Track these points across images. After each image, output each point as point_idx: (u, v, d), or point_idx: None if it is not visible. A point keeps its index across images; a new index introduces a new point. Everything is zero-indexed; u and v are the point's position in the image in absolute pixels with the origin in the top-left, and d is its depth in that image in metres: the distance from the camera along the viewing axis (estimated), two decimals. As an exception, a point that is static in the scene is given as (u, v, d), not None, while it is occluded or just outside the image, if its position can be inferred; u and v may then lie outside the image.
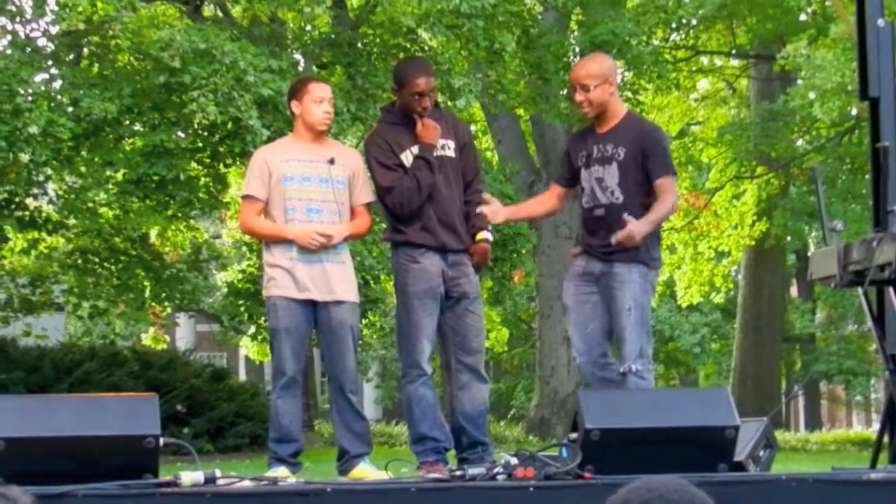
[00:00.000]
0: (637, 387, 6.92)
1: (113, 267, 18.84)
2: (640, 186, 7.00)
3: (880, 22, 7.13)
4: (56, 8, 16.22)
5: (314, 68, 17.80)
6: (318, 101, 7.06)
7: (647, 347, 7.07)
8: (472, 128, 22.88)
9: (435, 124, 7.09)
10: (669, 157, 7.29)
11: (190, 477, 5.53)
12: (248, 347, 27.04)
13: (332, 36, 17.96)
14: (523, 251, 20.70)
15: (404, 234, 7.11)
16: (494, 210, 7.16)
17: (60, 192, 18.37)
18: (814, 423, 38.58)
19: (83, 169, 17.30)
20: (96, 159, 16.88)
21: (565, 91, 18.27)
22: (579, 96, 7.08)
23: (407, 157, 7.08)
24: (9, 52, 15.99)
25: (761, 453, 6.58)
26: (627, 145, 7.00)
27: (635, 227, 6.82)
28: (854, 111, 22.09)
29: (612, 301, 7.01)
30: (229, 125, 15.77)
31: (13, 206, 17.19)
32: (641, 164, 7.00)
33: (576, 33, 22.04)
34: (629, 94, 22.48)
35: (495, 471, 5.85)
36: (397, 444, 20.96)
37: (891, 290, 6.72)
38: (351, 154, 7.47)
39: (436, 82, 7.36)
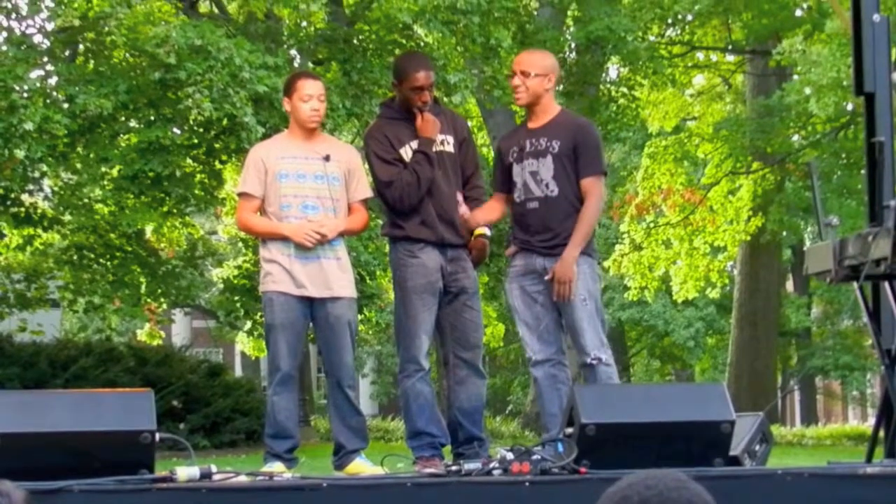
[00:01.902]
0: (607, 375, 6.94)
1: (108, 263, 18.83)
2: (575, 180, 7.02)
3: (876, 17, 7.12)
4: (51, 4, 16.23)
5: (310, 64, 17.80)
6: (307, 99, 7.02)
7: (604, 336, 7.09)
8: (468, 124, 22.86)
9: (434, 119, 7.09)
10: (601, 155, 7.25)
11: (186, 472, 5.53)
12: (244, 343, 27.02)
13: (328, 32, 17.96)
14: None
15: (403, 229, 7.09)
16: (473, 216, 7.13)
17: (56, 189, 18.37)
18: (810, 417, 38.65)
19: (78, 165, 17.29)
20: (91, 156, 16.87)
21: (561, 87, 18.25)
22: (517, 80, 7.08)
23: (406, 152, 7.07)
24: (4, 48, 15.99)
25: (757, 448, 6.58)
26: (562, 139, 7.01)
27: (567, 270, 6.88)
28: (850, 106, 22.10)
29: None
30: (225, 122, 15.78)
31: (8, 203, 17.17)
32: (574, 159, 7.01)
33: (571, 29, 22.06)
34: (625, 90, 22.53)
35: (491, 466, 5.85)
36: (393, 440, 20.97)
37: (886, 284, 6.72)
38: (347, 150, 7.45)
39: (435, 77, 7.34)
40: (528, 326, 7.09)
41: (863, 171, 8.11)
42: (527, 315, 7.10)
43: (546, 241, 7.00)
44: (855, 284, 6.79)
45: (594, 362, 6.94)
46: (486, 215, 7.24)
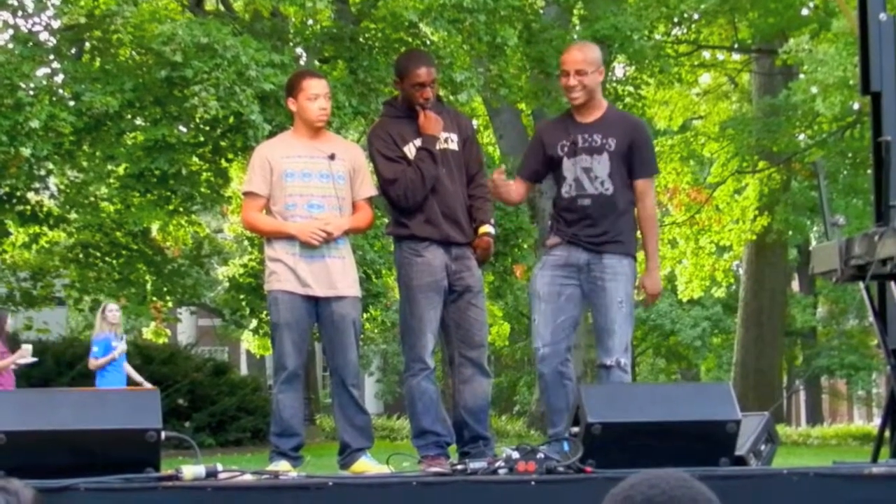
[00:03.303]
0: (621, 380, 6.91)
1: (114, 261, 18.86)
2: (628, 178, 7.01)
3: (882, 16, 7.12)
4: (57, 2, 16.25)
5: (316, 63, 17.81)
6: (314, 98, 7.00)
7: (630, 341, 7.10)
8: (474, 122, 22.89)
9: (437, 116, 7.07)
10: (654, 154, 7.31)
11: (191, 471, 5.52)
12: (249, 342, 27.03)
13: (334, 30, 17.97)
14: (525, 246, 20.73)
15: (408, 228, 7.08)
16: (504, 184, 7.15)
17: (62, 187, 18.40)
18: (815, 417, 38.65)
19: (84, 163, 17.32)
20: (97, 154, 16.90)
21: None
22: (573, 80, 6.95)
23: (410, 150, 7.05)
24: (10, 46, 16.02)
25: (763, 447, 6.57)
26: (618, 137, 6.96)
27: (657, 285, 7.20)
28: (856, 106, 22.10)
29: (602, 293, 6.93)
30: (231, 119, 15.80)
31: (14, 201, 17.21)
32: (628, 157, 6.99)
33: (578, 28, 22.06)
34: (631, 89, 22.53)
35: (497, 465, 5.84)
36: (399, 439, 21.00)
37: (892, 284, 6.71)
38: (352, 148, 7.44)
39: (437, 74, 7.32)
40: (545, 317, 7.01)
41: (869, 171, 8.09)
42: (547, 304, 7.01)
43: (594, 238, 6.94)
44: (861, 284, 6.78)
45: (613, 365, 6.91)
46: (510, 192, 7.22)
